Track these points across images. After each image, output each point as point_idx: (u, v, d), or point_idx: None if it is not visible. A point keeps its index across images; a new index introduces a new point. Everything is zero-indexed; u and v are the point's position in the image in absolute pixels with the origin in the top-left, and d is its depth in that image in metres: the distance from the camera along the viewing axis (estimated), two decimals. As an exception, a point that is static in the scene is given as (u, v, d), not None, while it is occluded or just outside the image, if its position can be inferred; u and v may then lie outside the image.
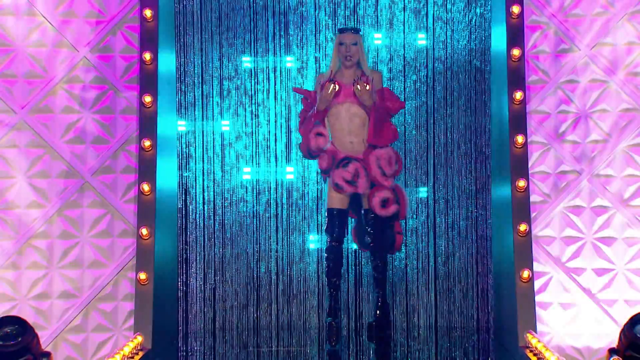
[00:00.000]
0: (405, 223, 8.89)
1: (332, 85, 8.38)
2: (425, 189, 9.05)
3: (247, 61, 9.03)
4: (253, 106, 8.99)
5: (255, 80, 8.93)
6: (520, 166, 8.28)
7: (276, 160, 8.84)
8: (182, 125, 8.91)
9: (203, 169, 8.95)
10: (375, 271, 8.49)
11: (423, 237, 8.98)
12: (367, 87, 8.35)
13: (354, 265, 8.99)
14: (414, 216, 9.03)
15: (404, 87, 9.03)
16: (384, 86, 8.68)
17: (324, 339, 8.48)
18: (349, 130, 8.44)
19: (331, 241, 8.47)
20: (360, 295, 8.95)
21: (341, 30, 8.51)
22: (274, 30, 8.99)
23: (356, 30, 8.52)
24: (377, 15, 9.03)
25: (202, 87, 8.93)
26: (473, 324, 8.89)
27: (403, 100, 8.79)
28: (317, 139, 8.49)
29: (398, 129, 9.00)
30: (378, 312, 8.42)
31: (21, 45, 8.25)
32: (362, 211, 8.53)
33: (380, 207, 8.39)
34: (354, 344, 8.75)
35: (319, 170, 8.70)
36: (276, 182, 8.90)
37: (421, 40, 9.03)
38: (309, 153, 8.61)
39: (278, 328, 8.88)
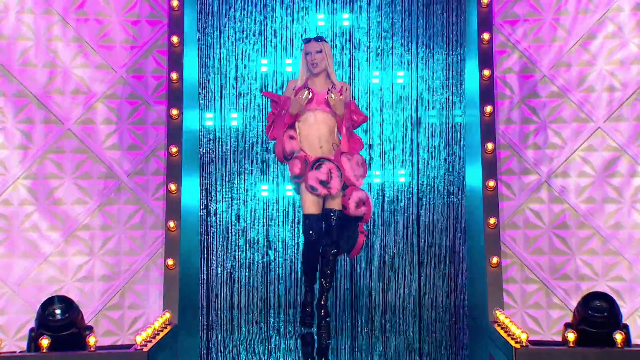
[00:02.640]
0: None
1: (307, 92, 7.79)
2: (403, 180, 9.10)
3: (258, 80, 9.07)
4: (263, 117, 9.05)
5: (265, 97, 8.97)
6: (490, 169, 8.25)
7: (283, 162, 8.70)
8: (203, 131, 8.98)
9: (221, 171, 9.00)
10: (324, 265, 7.83)
11: (408, 229, 9.05)
12: (341, 97, 7.83)
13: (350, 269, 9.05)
14: (401, 212, 9.10)
15: (392, 102, 9.09)
16: (351, 99, 8.17)
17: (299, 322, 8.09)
18: (317, 136, 7.88)
19: (308, 240, 7.91)
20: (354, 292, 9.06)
21: (306, 41, 7.98)
22: (281, 54, 9.05)
23: (320, 39, 7.95)
24: (369, 41, 9.09)
25: (220, 102, 8.97)
26: (450, 302, 8.93)
27: (367, 115, 8.40)
28: (290, 141, 7.89)
29: (387, 137, 9.09)
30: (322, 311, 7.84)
31: (68, 66, 8.25)
32: (327, 210, 7.89)
33: (355, 207, 7.87)
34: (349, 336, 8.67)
35: (292, 177, 7.98)
36: (284, 180, 8.95)
37: (399, 78, 9.06)
38: (283, 156, 7.96)
39: (286, 306, 8.93)
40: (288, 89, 8.00)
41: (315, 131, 7.87)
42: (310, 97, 7.80)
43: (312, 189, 7.78)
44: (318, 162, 7.82)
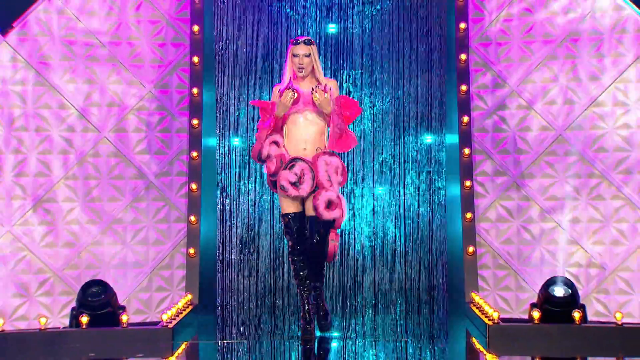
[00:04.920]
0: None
1: (291, 92, 6.62)
2: (384, 188, 9.05)
3: (266, 94, 9.05)
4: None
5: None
6: (467, 170, 8.30)
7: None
8: (220, 140, 8.95)
9: (235, 173, 9.00)
10: (312, 278, 6.77)
11: (396, 223, 9.05)
12: (326, 95, 6.62)
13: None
14: (391, 207, 9.09)
15: (382, 113, 9.10)
16: (340, 94, 7.02)
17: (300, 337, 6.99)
18: (305, 137, 6.72)
19: (293, 244, 6.80)
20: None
21: (294, 42, 6.77)
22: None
23: (308, 42, 6.74)
24: (362, 60, 9.10)
25: (234, 113, 9.01)
26: (432, 285, 8.89)
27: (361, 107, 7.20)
28: (270, 146, 6.70)
29: (378, 144, 9.10)
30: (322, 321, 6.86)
31: (104, 82, 8.24)
32: (305, 219, 6.76)
33: (325, 207, 6.63)
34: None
35: (268, 175, 6.86)
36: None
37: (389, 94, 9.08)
38: (258, 157, 6.79)
39: (290, 288, 8.90)
40: (274, 94, 6.83)
41: (302, 132, 6.74)
42: (295, 97, 6.66)
43: (282, 189, 6.68)
44: (292, 162, 6.68)
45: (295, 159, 6.67)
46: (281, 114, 6.69)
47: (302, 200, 6.76)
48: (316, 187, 6.67)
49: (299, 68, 6.71)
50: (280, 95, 6.67)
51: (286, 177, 6.63)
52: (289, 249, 6.85)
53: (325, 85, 6.67)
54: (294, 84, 6.73)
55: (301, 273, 6.80)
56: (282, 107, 6.66)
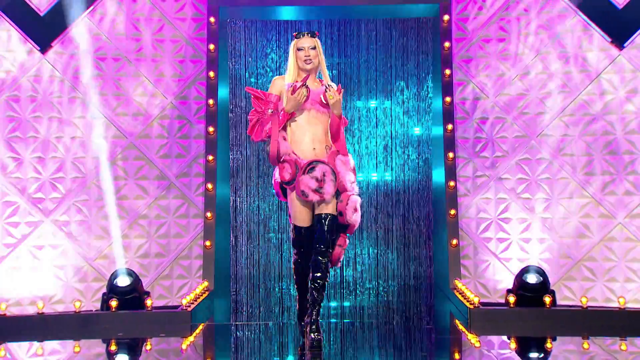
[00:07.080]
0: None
1: (305, 90, 5.63)
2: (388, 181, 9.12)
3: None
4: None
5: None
6: (451, 172, 8.31)
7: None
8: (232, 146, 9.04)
9: (246, 174, 9.06)
10: (317, 277, 5.68)
11: (388, 219, 9.05)
12: (339, 96, 5.70)
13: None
14: (384, 206, 9.15)
15: (376, 121, 9.20)
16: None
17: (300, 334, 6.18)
18: (312, 136, 5.74)
19: (298, 257, 5.90)
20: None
21: (297, 35, 5.82)
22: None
23: (312, 34, 5.80)
24: (359, 74, 9.17)
25: (246, 121, 9.06)
26: (420, 274, 8.96)
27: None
28: (284, 142, 5.73)
29: (372, 148, 9.05)
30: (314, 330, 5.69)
31: (130, 94, 8.29)
32: (318, 216, 5.71)
33: (352, 213, 5.72)
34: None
35: (280, 183, 5.80)
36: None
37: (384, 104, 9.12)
38: (277, 158, 5.73)
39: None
40: (274, 86, 5.83)
41: (309, 132, 5.77)
42: (307, 94, 5.71)
43: (303, 194, 5.64)
44: (311, 165, 5.69)
45: (313, 162, 5.68)
46: (291, 111, 5.71)
47: (312, 205, 5.77)
48: (337, 191, 5.76)
49: (306, 60, 5.75)
50: (293, 92, 5.69)
51: (307, 183, 5.63)
52: (294, 259, 5.94)
53: (339, 85, 5.80)
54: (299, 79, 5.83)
55: (303, 283, 5.90)
56: (295, 104, 5.68)
